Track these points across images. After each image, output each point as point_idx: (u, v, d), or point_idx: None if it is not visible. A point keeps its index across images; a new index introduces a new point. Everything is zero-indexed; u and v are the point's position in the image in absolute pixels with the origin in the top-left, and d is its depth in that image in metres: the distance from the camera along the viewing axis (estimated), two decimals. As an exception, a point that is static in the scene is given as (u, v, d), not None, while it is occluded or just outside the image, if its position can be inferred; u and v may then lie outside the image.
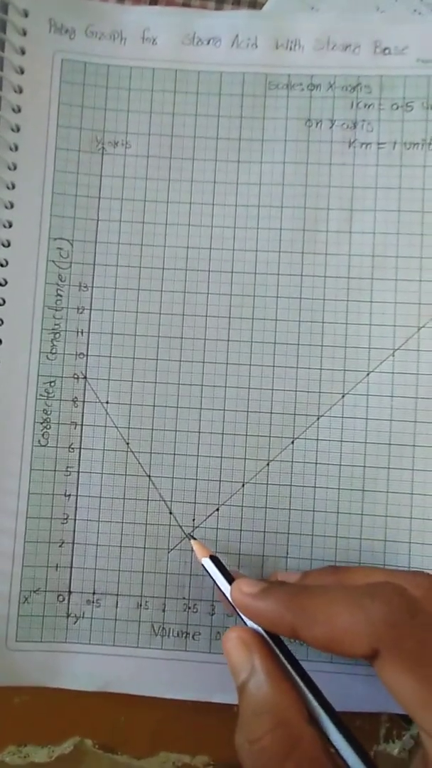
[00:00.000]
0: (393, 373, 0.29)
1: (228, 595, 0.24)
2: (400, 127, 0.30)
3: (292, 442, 0.29)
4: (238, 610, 0.23)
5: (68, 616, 0.28)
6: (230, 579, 0.24)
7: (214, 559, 0.26)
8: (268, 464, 0.29)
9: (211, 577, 0.25)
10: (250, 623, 0.23)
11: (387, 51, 0.30)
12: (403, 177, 0.30)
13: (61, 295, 0.29)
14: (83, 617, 0.28)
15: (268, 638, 0.22)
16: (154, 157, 0.30)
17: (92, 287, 0.29)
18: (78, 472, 0.29)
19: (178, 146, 0.30)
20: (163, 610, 0.28)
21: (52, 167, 0.29)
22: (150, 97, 0.30)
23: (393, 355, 0.29)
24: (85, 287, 0.29)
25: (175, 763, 0.27)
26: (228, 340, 0.29)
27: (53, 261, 0.29)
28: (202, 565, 0.26)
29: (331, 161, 0.30)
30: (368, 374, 0.29)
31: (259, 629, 0.22)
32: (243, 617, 0.23)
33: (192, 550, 0.28)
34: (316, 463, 0.29)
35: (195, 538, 0.28)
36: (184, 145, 0.30)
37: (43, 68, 0.30)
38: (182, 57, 0.30)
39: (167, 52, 0.30)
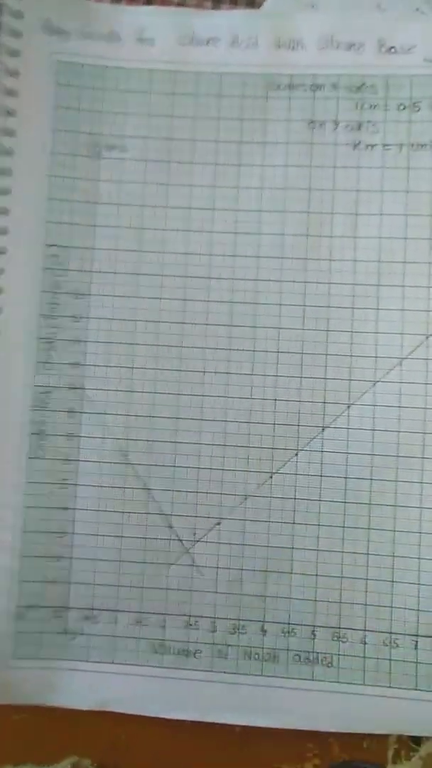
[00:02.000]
0: (401, 382, 0.30)
1: None
2: (407, 128, 0.31)
3: (296, 454, 0.30)
4: None
5: (66, 632, 0.29)
6: None
7: None
8: (271, 476, 0.30)
9: None
10: None
11: (393, 50, 0.31)
12: (410, 180, 0.30)
13: (56, 304, 0.30)
14: (81, 634, 0.29)
15: None
16: (152, 161, 0.31)
17: (89, 295, 0.30)
18: (75, 485, 0.30)
19: (177, 150, 0.31)
20: (163, 627, 0.29)
21: (48, 172, 0.30)
22: (148, 99, 0.31)
23: (401, 364, 0.30)
24: (81, 295, 0.30)
25: (175, 784, 0.28)
26: (229, 349, 0.30)
27: (49, 268, 0.30)
28: None
29: (335, 164, 0.31)
30: (375, 384, 0.30)
31: None
32: None
33: (193, 566, 0.29)
34: (321, 476, 0.29)
35: None
36: (183, 149, 0.31)
37: (38, 71, 0.31)
38: (180, 58, 0.31)
39: (164, 53, 0.31)
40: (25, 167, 0.30)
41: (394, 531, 0.29)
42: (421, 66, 0.31)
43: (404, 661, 0.28)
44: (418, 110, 0.31)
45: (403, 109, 0.31)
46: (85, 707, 0.28)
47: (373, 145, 0.31)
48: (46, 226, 0.30)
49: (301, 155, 0.31)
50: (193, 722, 0.28)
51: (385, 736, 0.28)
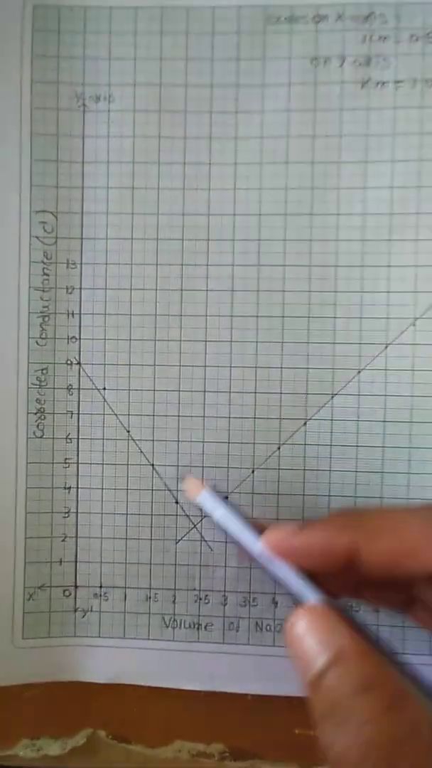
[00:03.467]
0: (413, 344, 0.29)
1: (249, 539, 0.22)
2: (421, 61, 0.28)
3: (305, 424, 0.29)
4: (276, 555, 0.22)
5: (75, 610, 0.30)
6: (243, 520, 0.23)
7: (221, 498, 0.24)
8: (279, 448, 0.29)
9: (219, 523, 0.23)
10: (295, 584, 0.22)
11: (404, -29, 0.28)
12: (425, 120, 0.29)
13: (48, 275, 0.29)
14: (91, 611, 0.30)
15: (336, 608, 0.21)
16: (141, 112, 0.29)
17: (81, 264, 0.29)
18: (77, 463, 0.30)
19: (167, 97, 0.29)
20: (174, 602, 0.29)
21: (29, 130, 0.29)
22: (133, 40, 0.29)
23: (414, 325, 0.29)
24: (73, 264, 0.29)
25: (190, 751, 0.29)
26: (231, 316, 0.29)
27: (37, 237, 0.29)
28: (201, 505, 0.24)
29: (341, 106, 0.29)
30: (386, 347, 0.29)
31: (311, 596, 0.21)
32: (274, 569, 0.22)
33: (202, 540, 0.29)
34: (331, 445, 0.29)
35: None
36: (174, 96, 0.29)
37: (13, 18, 0.29)
38: (168, -8, 0.29)
39: (150, -13, 0.29)
40: (5, 126, 0.29)
41: (408, 499, 0.29)
42: (436, -11, 0.28)
43: (417, 627, 0.29)
44: (433, 41, 0.28)
45: (416, 40, 0.28)
46: (98, 681, 0.29)
47: (383, 82, 0.29)
48: (31, 191, 0.29)
49: (304, 98, 0.29)
50: (206, 692, 0.29)
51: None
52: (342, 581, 0.23)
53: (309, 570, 0.22)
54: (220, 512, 0.24)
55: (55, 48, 0.29)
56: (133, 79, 0.29)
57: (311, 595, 0.21)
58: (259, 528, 0.23)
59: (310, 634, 0.20)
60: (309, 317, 0.29)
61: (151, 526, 0.29)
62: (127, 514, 0.30)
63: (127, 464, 0.30)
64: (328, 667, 0.19)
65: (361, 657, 0.19)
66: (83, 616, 0.30)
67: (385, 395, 0.29)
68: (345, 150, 0.29)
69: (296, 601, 0.22)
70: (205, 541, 0.29)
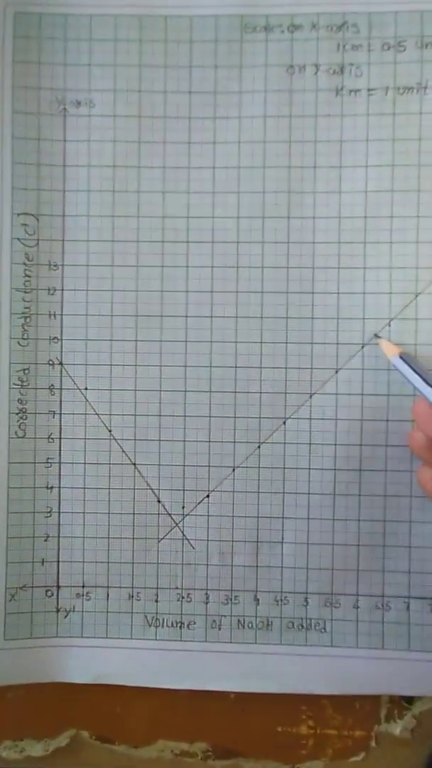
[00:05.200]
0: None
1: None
2: (392, 69, 0.30)
3: (284, 423, 0.30)
4: None
5: (58, 610, 0.30)
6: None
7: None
8: (259, 446, 0.30)
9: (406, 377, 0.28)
10: None
11: (375, -17, 0.30)
12: (397, 126, 0.30)
13: (29, 276, 0.30)
14: (74, 611, 0.30)
15: None
16: (121, 117, 0.30)
17: (63, 265, 0.30)
18: (59, 463, 0.30)
19: (147, 103, 0.30)
20: (156, 601, 0.30)
21: (10, 134, 0.30)
22: (113, 47, 0.30)
23: (389, 325, 0.30)
24: (54, 266, 0.30)
25: (174, 750, 0.30)
26: (211, 317, 0.30)
27: (18, 239, 0.30)
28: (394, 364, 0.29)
29: (316, 112, 0.30)
30: (363, 347, 0.30)
31: None
32: None
33: (184, 539, 0.30)
34: (310, 444, 0.30)
35: (380, 337, 0.30)
36: (154, 102, 0.30)
37: (-8, 23, 0.30)
38: (146, 1, 0.30)
39: (130, -4, 0.30)
40: (-14, 130, 0.30)
41: (385, 496, 0.30)
42: (405, 1, 0.29)
43: (396, 623, 0.30)
44: (404, 50, 0.30)
45: (388, 49, 0.30)
46: (81, 681, 0.30)
47: (356, 90, 0.30)
48: (12, 193, 0.30)
49: (279, 104, 0.30)
50: (188, 691, 0.30)
51: (377, 696, 0.30)
52: None
53: None
54: (407, 371, 0.28)
55: (36, 54, 0.30)
56: (113, 85, 0.30)
57: None
58: None
59: None
60: (287, 318, 0.30)
61: (134, 525, 0.30)
62: (109, 513, 0.30)
63: (109, 463, 0.30)
64: None
65: None
66: (66, 617, 0.30)
67: (362, 394, 0.30)
68: (320, 155, 0.30)
69: None
70: (187, 539, 0.30)
